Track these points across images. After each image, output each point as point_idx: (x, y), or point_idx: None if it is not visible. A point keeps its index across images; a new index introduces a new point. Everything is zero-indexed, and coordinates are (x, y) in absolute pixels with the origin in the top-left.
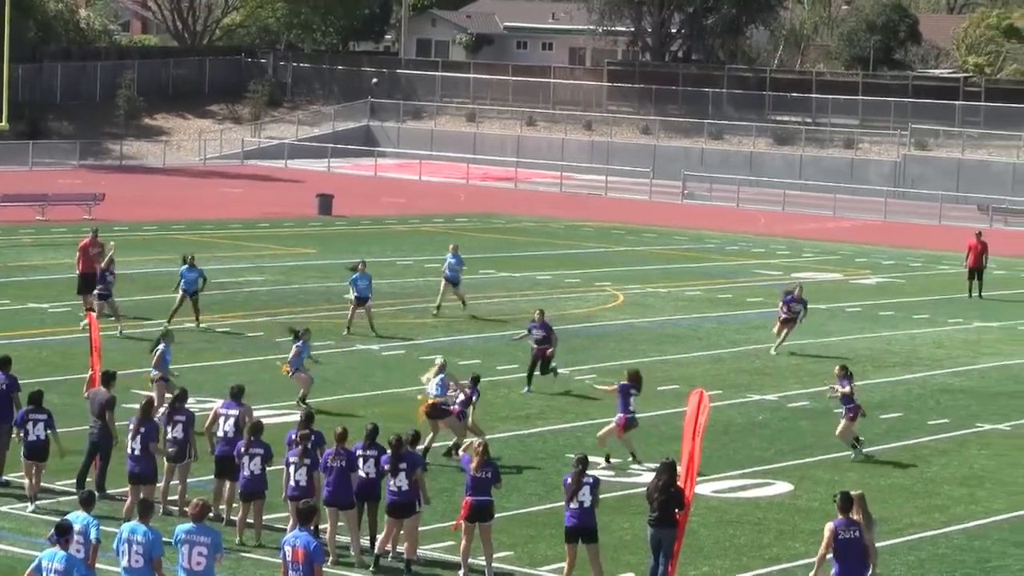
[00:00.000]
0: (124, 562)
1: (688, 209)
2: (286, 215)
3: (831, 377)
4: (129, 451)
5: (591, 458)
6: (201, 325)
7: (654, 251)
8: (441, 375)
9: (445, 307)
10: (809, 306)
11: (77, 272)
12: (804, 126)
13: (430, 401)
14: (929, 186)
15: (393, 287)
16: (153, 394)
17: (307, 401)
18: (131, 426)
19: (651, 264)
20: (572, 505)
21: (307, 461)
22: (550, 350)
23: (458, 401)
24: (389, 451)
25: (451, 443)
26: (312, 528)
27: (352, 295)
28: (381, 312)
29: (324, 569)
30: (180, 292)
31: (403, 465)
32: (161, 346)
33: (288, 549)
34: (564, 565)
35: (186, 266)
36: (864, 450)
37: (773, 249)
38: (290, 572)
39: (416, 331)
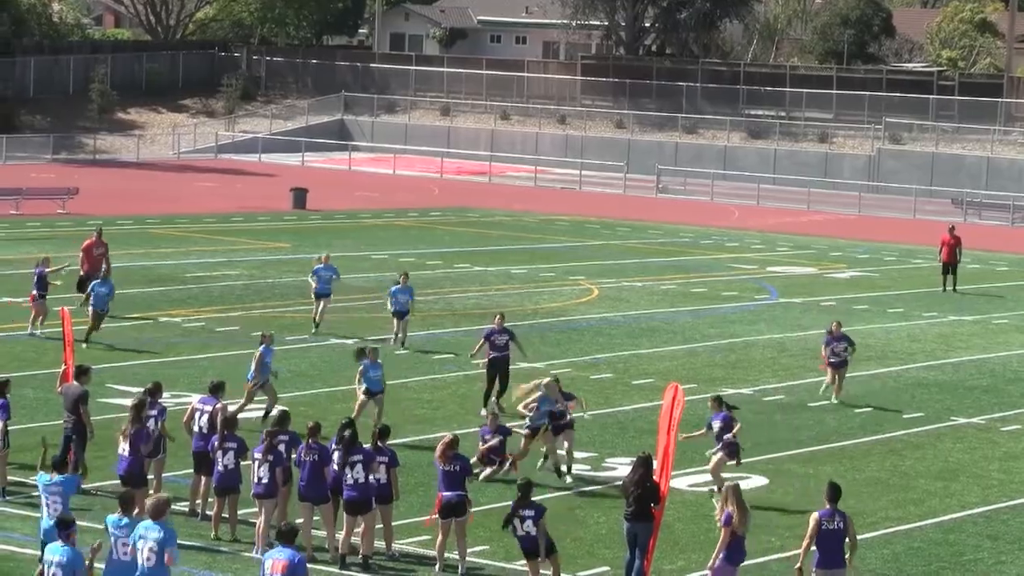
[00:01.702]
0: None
1: (662, 203)
2: (260, 209)
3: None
4: (120, 451)
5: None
6: (85, 345)
7: (628, 245)
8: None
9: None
10: (784, 300)
11: (81, 271)
12: (778, 120)
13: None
14: (903, 180)
15: (368, 281)
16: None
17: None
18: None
19: (625, 258)
20: (519, 532)
21: (270, 458)
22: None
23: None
24: (366, 446)
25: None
26: (294, 546)
27: (390, 308)
28: (355, 306)
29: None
30: (90, 308)
31: (356, 458)
32: (261, 348)
33: (268, 563)
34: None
35: (98, 280)
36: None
37: (747, 243)
38: None
39: (390, 325)
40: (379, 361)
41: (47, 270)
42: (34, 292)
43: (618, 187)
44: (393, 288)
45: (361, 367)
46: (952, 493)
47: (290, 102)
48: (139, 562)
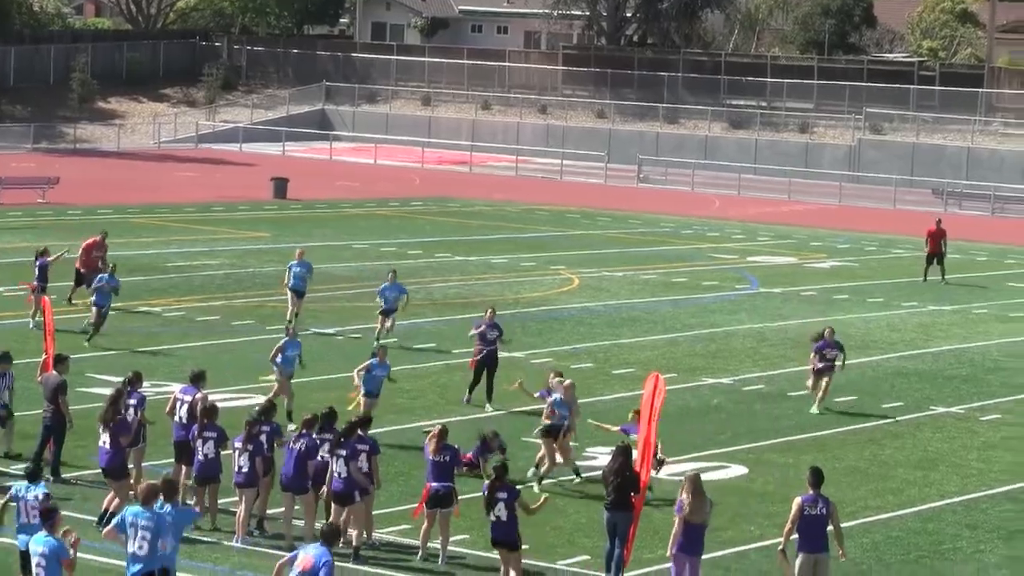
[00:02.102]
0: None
1: (643, 193)
2: (241, 199)
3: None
4: (100, 443)
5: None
6: (87, 343)
7: (609, 235)
8: (557, 395)
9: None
10: (765, 290)
11: (82, 269)
12: (759, 110)
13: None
14: (883, 170)
15: (349, 270)
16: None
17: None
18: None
19: (606, 248)
20: (491, 517)
21: (250, 447)
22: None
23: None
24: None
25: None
26: (330, 547)
27: (381, 304)
28: (336, 295)
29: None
30: (93, 306)
31: (342, 452)
32: (283, 340)
33: (301, 555)
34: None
35: (106, 275)
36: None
37: (728, 233)
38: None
39: (371, 314)
40: (387, 363)
41: (48, 260)
42: (35, 283)
43: (599, 177)
44: (383, 286)
45: (368, 363)
46: (931, 482)
47: (271, 92)
48: (130, 549)
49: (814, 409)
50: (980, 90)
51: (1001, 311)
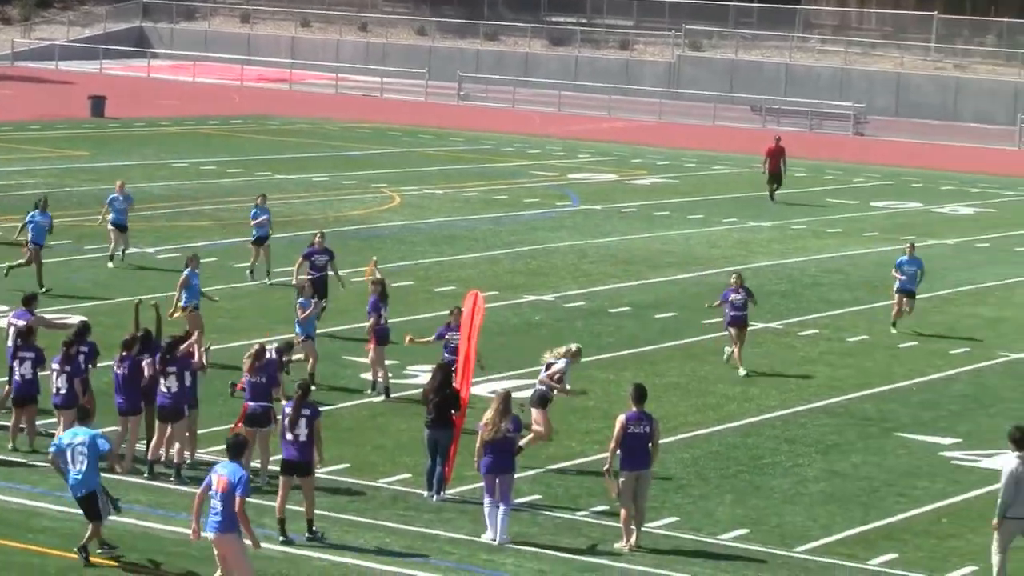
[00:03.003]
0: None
1: (464, 110)
2: (58, 117)
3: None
4: None
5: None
6: (44, 289)
7: (430, 152)
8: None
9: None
10: (585, 207)
11: None
12: (579, 27)
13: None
14: (703, 87)
15: (168, 190)
16: None
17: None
18: None
19: (428, 165)
20: (288, 437)
21: (68, 368)
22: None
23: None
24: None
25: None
26: (242, 461)
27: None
28: (156, 214)
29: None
30: (29, 247)
31: (171, 368)
32: (187, 271)
33: (214, 477)
34: (289, 494)
35: (37, 211)
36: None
37: (549, 150)
38: (212, 501)
39: (192, 233)
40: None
41: None
42: None
43: (420, 94)
44: (254, 210)
45: (299, 302)
46: (750, 397)
47: (87, 9)
48: None
49: (741, 371)
50: (798, 7)
51: (819, 227)
